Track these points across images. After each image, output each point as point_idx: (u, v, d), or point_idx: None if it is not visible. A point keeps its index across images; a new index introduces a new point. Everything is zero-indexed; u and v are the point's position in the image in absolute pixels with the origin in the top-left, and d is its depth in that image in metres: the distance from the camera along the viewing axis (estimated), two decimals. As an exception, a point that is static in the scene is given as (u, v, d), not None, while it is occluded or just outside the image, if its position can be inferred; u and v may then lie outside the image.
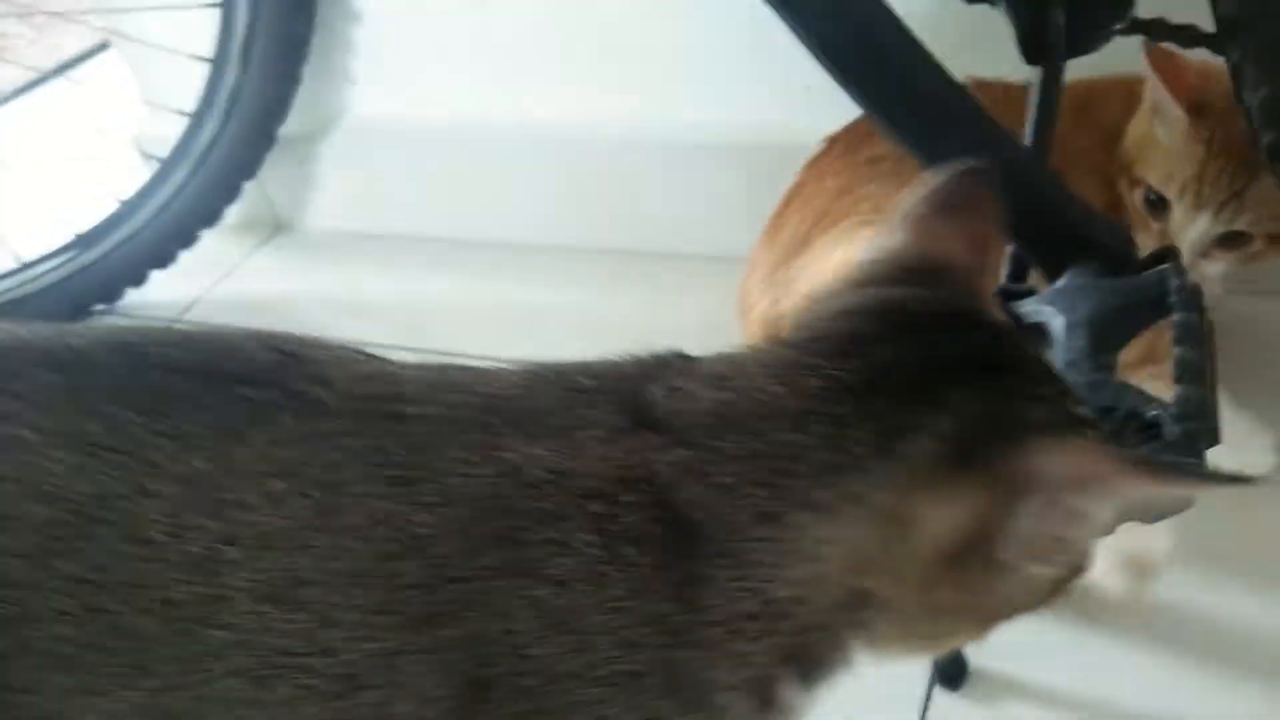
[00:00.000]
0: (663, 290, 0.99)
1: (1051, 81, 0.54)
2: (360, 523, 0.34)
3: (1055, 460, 0.32)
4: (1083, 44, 0.54)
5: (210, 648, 0.34)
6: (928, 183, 0.39)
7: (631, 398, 0.35)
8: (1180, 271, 0.48)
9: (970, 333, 0.35)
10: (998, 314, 0.39)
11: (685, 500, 0.33)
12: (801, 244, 0.75)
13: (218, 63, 1.04)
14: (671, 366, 0.36)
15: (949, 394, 0.32)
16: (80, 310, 1.11)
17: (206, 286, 1.15)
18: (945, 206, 0.38)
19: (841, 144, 0.80)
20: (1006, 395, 0.33)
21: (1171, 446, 0.42)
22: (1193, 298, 0.46)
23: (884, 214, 0.67)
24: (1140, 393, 0.45)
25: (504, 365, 0.38)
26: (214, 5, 1.02)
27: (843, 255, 0.68)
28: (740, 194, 0.91)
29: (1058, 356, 0.47)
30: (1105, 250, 0.52)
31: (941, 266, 0.36)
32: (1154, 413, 0.43)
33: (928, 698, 0.63)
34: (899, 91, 0.54)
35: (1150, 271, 0.48)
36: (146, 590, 0.34)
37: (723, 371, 0.35)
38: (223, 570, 0.34)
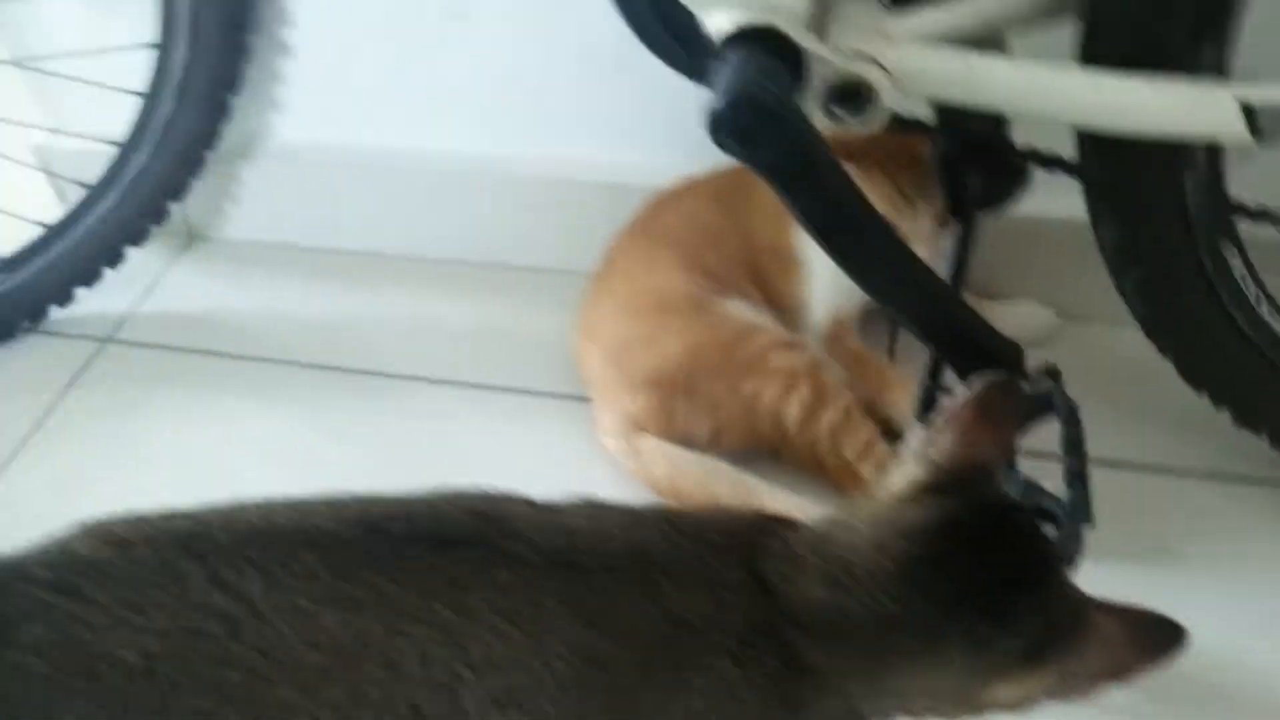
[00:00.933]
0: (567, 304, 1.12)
1: (969, 230, 0.70)
2: (562, 650, 0.48)
3: (1091, 657, 0.49)
4: (995, 202, 0.70)
5: None
6: (971, 392, 0.54)
7: (750, 563, 0.50)
8: (1063, 390, 0.66)
9: (1016, 543, 0.51)
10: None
11: (805, 651, 0.49)
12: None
13: (151, 97, 1.07)
14: (777, 537, 0.51)
15: (1017, 617, 0.49)
16: (9, 330, 1.13)
17: (132, 303, 1.18)
18: (981, 415, 0.53)
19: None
20: (1050, 603, 0.49)
21: (1065, 533, 0.61)
22: (1074, 414, 0.64)
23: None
24: (1038, 487, 0.64)
25: (646, 509, 0.52)
26: (151, 46, 1.04)
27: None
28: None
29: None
30: (1002, 359, 0.70)
31: (979, 470, 0.52)
32: (1049, 505, 0.62)
33: None
34: (847, 228, 0.69)
35: (1041, 388, 0.67)
36: (398, 704, 0.47)
37: (834, 573, 0.50)
38: (459, 688, 0.47)
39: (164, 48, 1.03)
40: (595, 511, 0.53)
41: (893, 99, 0.62)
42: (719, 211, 0.95)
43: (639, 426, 0.92)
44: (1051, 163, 0.75)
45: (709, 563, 0.50)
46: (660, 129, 1.04)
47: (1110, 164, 0.68)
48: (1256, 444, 0.83)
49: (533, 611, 0.48)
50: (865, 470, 0.86)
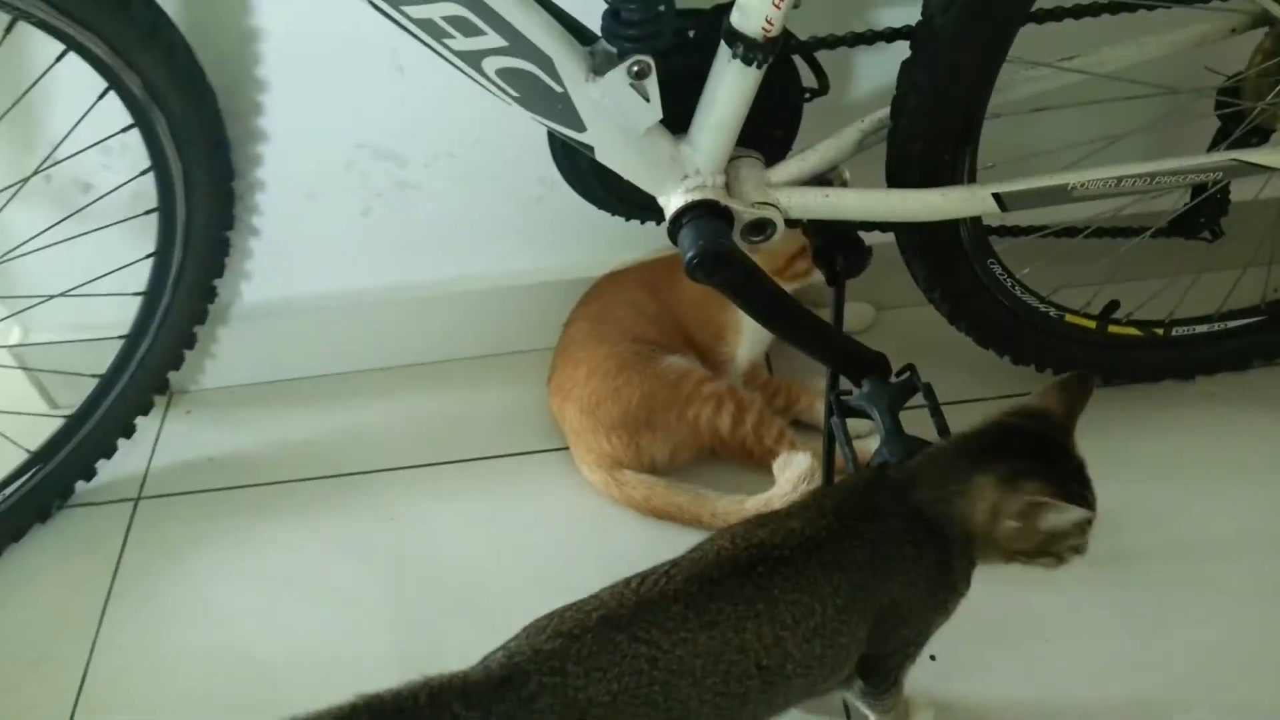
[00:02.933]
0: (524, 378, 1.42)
1: (840, 290, 1.07)
2: (830, 591, 0.79)
3: (1036, 492, 0.79)
4: (854, 273, 1.06)
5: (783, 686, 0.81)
6: (1063, 377, 0.87)
7: (886, 492, 0.84)
8: (917, 375, 1.04)
9: (1043, 439, 0.83)
10: (1068, 440, 0.84)
11: (939, 528, 0.82)
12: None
13: (151, 294, 1.27)
14: (890, 472, 0.86)
15: (1019, 463, 0.81)
16: (45, 513, 1.31)
17: (143, 464, 1.39)
18: (1064, 388, 0.86)
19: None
20: (1045, 465, 0.81)
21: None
22: (929, 387, 1.02)
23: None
24: (918, 440, 1.01)
25: (809, 500, 0.86)
26: (152, 255, 1.25)
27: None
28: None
29: (880, 427, 1.02)
30: (875, 365, 1.08)
31: (1046, 413, 0.84)
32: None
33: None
34: (772, 308, 1.04)
35: (905, 376, 1.04)
36: (749, 668, 0.79)
37: (930, 472, 0.84)
38: (783, 641, 0.79)
39: (161, 255, 1.24)
40: (790, 511, 0.85)
41: (782, 225, 0.98)
42: (650, 296, 1.29)
43: (615, 461, 1.24)
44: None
45: (873, 503, 0.84)
46: (575, 239, 1.36)
47: (914, 230, 1.08)
48: (1027, 372, 1.25)
49: (807, 580, 0.80)
50: (782, 449, 1.22)
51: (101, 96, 1.10)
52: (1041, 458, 0.82)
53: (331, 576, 1.23)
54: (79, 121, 1.14)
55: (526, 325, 1.42)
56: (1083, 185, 1.00)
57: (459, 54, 0.84)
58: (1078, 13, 0.99)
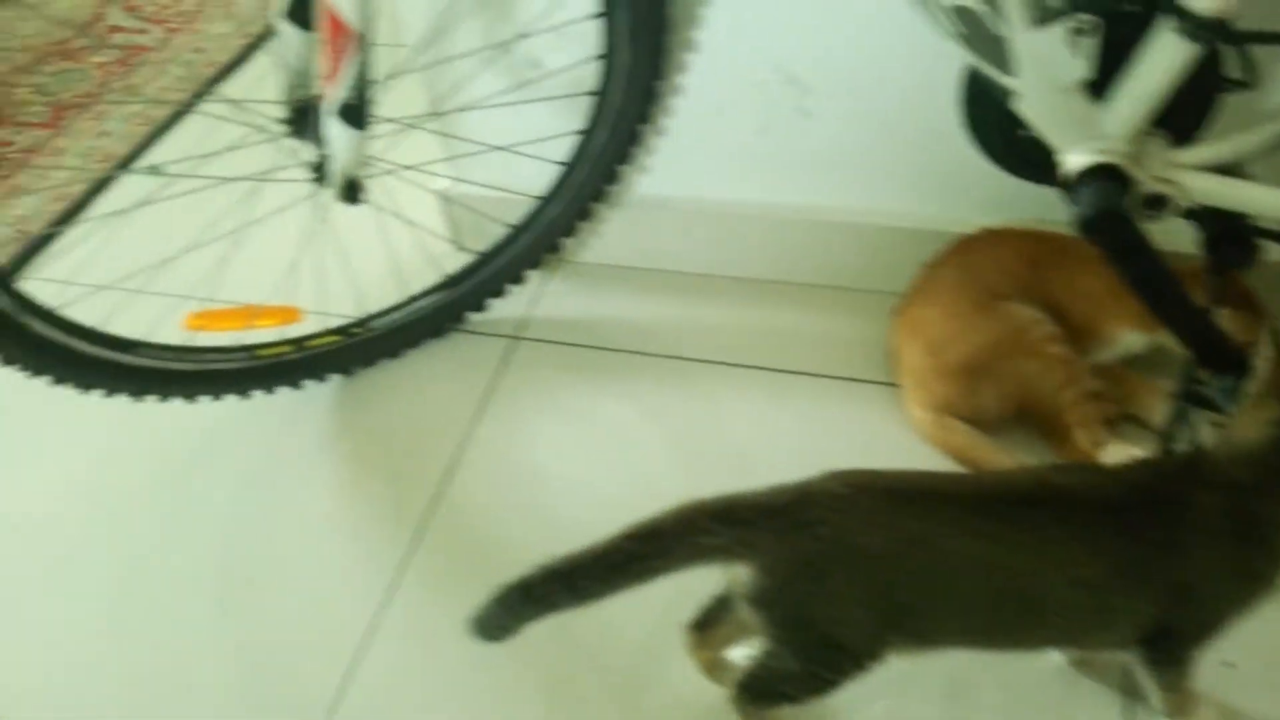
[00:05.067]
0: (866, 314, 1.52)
1: (1220, 285, 1.09)
2: (1110, 555, 0.85)
3: None
4: (1241, 263, 1.08)
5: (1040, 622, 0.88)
6: None
7: (1172, 474, 0.88)
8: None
9: None
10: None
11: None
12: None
13: (571, 166, 1.46)
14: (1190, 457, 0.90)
15: None
16: (439, 329, 1.56)
17: (526, 309, 1.60)
18: None
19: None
20: None
21: None
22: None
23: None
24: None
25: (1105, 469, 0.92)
26: (579, 132, 1.44)
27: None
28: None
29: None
30: (1240, 365, 1.09)
31: None
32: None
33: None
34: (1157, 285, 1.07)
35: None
36: (1012, 595, 0.87)
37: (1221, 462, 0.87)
38: (1045, 577, 0.85)
39: (587, 134, 1.43)
40: (1105, 470, 0.91)
41: (1179, 206, 1.01)
42: (1029, 269, 1.32)
43: (947, 404, 1.31)
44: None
45: (1187, 485, 0.86)
46: (948, 194, 1.43)
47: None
48: None
49: (1090, 535, 0.84)
50: (1098, 431, 1.24)
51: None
52: None
53: (640, 442, 1.39)
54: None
55: (876, 265, 1.51)
56: None
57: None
58: None
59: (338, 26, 1.04)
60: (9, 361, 1.17)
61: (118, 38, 2.34)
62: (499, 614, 0.88)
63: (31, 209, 1.90)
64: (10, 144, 2.06)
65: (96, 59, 2.28)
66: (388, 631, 1.22)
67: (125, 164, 2.00)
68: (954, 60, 1.04)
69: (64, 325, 1.20)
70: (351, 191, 1.21)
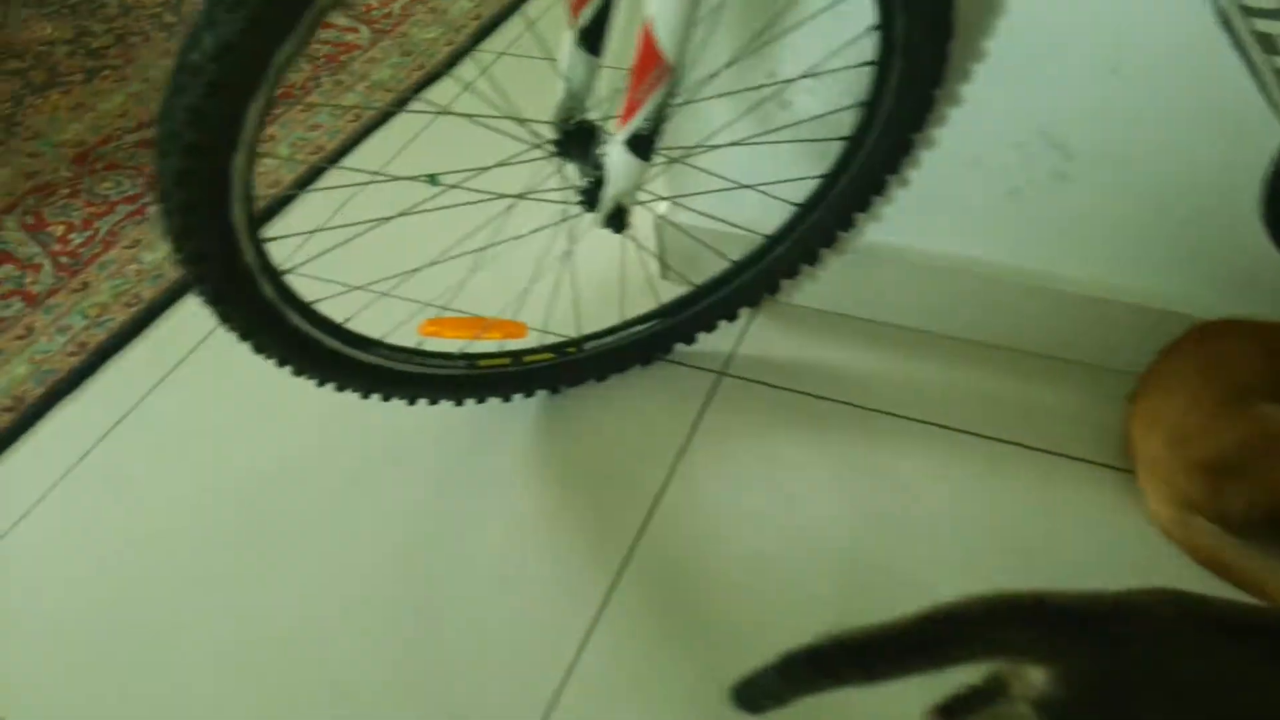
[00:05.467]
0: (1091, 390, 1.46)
1: None
2: None
3: None
4: None
5: None
6: None
7: None
8: None
9: None
10: None
11: None
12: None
13: (829, 179, 1.42)
14: None
15: None
16: (647, 358, 1.54)
17: (731, 348, 1.58)
18: None
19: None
20: None
21: None
22: None
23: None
24: None
25: None
26: (822, 177, 1.42)
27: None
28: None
29: None
30: None
31: None
32: None
33: None
34: None
35: None
36: None
37: None
38: None
39: (828, 180, 1.40)
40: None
41: None
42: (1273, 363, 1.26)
43: (1189, 501, 1.25)
44: None
45: None
46: (1196, 276, 1.36)
47: None
48: None
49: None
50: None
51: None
52: None
53: (839, 497, 1.35)
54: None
55: (1111, 341, 1.45)
56: None
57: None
58: None
59: (652, 56, 1.03)
60: (260, 350, 1.18)
61: (328, 33, 2.40)
62: (776, 683, 0.83)
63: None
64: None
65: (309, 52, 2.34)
66: (585, 668, 1.20)
67: (334, 159, 2.04)
68: (1262, 140, 0.98)
69: (317, 320, 1.21)
70: (618, 219, 1.20)
